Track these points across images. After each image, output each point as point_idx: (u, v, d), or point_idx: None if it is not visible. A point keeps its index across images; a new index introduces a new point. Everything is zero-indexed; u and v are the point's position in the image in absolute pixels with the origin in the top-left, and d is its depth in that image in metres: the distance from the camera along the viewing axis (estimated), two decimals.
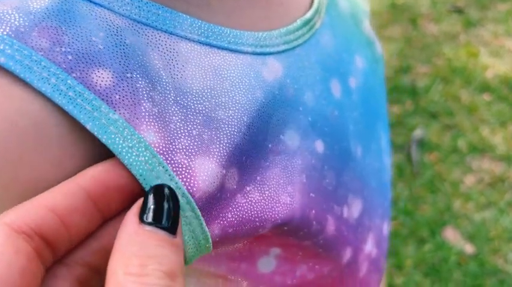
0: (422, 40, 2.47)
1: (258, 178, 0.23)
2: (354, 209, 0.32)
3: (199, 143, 0.21)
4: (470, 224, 1.56)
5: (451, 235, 1.53)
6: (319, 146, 0.27)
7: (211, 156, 0.21)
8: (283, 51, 0.26)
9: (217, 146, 0.21)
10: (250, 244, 0.27)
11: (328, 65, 0.28)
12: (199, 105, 0.21)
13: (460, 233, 1.54)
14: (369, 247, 0.35)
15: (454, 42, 2.48)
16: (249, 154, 0.23)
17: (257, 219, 0.23)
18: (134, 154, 0.19)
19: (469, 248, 1.49)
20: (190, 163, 0.20)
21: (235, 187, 0.22)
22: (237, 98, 0.22)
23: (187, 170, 0.20)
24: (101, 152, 0.20)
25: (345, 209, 0.31)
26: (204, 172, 0.21)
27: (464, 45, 2.45)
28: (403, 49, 2.39)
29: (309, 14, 0.28)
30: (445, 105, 2.05)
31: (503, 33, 2.56)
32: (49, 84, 0.18)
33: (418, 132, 1.86)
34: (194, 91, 0.21)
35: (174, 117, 0.20)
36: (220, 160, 0.21)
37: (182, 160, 0.20)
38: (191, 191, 0.20)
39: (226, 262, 0.27)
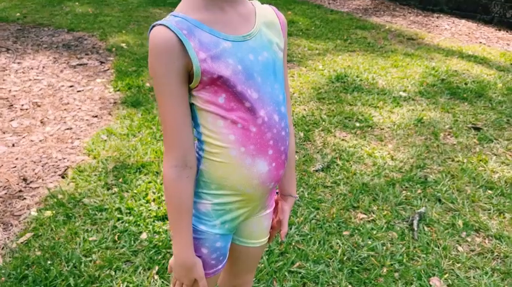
0: (440, 148, 2.95)
1: (219, 62, 0.84)
2: (253, 95, 0.88)
3: (201, 51, 0.84)
4: (455, 279, 1.87)
5: (436, 282, 1.84)
6: (239, 67, 0.85)
7: (200, 51, 0.83)
8: (245, 40, 0.88)
9: (204, 52, 0.84)
10: (214, 91, 0.85)
11: (254, 48, 0.90)
12: (211, 46, 0.85)
13: (445, 284, 1.85)
14: (262, 113, 0.90)
15: (468, 152, 2.92)
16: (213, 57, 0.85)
17: (214, 72, 0.83)
18: (191, 45, 0.83)
19: None
20: (195, 51, 0.83)
21: (208, 63, 0.83)
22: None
23: (196, 53, 0.84)
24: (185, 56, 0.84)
25: (249, 91, 0.87)
26: (195, 58, 0.83)
27: (477, 154, 2.88)
28: (421, 153, 2.87)
29: (253, 29, 0.91)
30: (451, 194, 2.44)
31: None
32: (180, 33, 0.83)
33: (421, 210, 2.26)
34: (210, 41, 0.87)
35: (202, 53, 0.85)
36: (202, 57, 0.83)
37: (196, 49, 0.83)
38: (197, 55, 0.83)
39: (208, 95, 0.86)
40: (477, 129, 3.24)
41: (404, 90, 3.87)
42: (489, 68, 4.54)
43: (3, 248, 1.90)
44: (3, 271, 1.75)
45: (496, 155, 2.90)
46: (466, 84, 4.07)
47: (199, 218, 0.96)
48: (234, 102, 0.88)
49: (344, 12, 7.01)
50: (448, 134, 3.16)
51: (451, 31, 6.15)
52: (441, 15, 6.99)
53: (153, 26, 0.84)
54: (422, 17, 6.89)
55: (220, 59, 0.84)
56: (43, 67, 4.21)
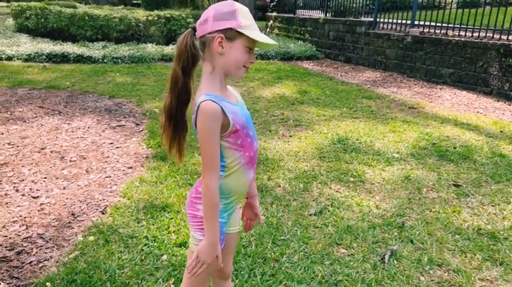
0: (421, 200, 3.41)
1: (237, 118, 1.45)
2: (251, 133, 1.48)
3: (230, 114, 1.43)
4: None
5: None
6: (244, 118, 1.47)
7: (230, 113, 1.42)
8: (239, 105, 1.50)
9: (231, 115, 1.42)
10: (235, 137, 1.45)
11: (242, 108, 1.51)
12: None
13: None
14: (255, 144, 1.50)
15: (446, 204, 3.37)
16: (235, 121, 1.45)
17: (237, 123, 1.43)
18: (226, 110, 1.40)
19: None
20: (229, 114, 1.42)
21: (234, 119, 1.42)
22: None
23: (229, 113, 1.41)
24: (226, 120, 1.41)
25: (249, 132, 1.47)
26: (230, 117, 1.40)
27: (453, 206, 3.33)
28: (403, 204, 3.34)
29: (239, 99, 1.55)
30: (422, 237, 2.88)
31: (489, 203, 3.41)
32: (221, 104, 1.38)
33: (394, 247, 2.71)
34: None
35: (231, 114, 1.44)
36: (231, 116, 1.43)
37: (229, 112, 1.42)
38: (230, 116, 1.41)
39: (232, 139, 1.45)
40: (457, 186, 3.69)
41: (398, 152, 4.40)
42: (479, 134, 5.04)
43: (57, 261, 2.46)
44: (57, 277, 2.30)
45: (470, 207, 3.34)
46: (454, 148, 4.56)
47: None
48: (244, 142, 1.48)
49: (354, 84, 7.73)
50: (431, 189, 3.63)
51: (451, 101, 6.73)
52: (444, 87, 7.62)
53: (201, 101, 1.40)
54: (427, 88, 7.53)
55: (237, 115, 1.45)
56: (88, 127, 4.97)
